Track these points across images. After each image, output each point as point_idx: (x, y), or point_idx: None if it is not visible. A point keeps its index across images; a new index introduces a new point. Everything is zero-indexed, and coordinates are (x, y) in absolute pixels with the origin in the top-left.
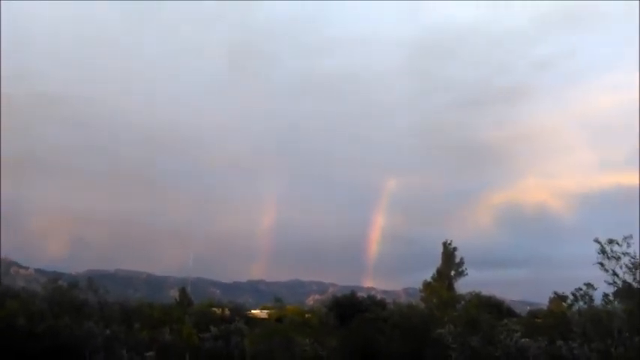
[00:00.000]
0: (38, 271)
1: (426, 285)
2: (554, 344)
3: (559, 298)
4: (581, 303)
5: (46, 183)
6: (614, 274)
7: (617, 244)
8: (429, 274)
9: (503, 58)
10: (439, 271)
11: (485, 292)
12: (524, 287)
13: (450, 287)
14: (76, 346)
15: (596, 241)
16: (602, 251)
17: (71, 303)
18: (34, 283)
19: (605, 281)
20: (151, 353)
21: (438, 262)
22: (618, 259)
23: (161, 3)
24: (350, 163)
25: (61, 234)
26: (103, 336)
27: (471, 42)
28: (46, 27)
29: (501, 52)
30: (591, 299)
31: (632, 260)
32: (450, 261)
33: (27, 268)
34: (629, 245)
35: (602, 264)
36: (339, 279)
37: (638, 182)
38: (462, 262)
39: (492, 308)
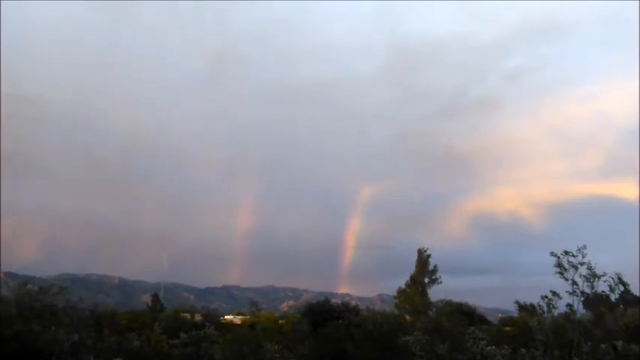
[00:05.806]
0: (8, 274)
1: (400, 292)
2: (518, 352)
3: (521, 307)
4: (545, 312)
5: (19, 185)
6: (574, 282)
7: (573, 255)
8: (404, 281)
9: (478, 69)
10: (413, 278)
11: (460, 299)
12: (498, 294)
13: (424, 294)
14: (43, 351)
15: (553, 254)
16: (559, 264)
17: (41, 307)
18: (4, 286)
19: (566, 291)
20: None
21: (412, 268)
22: (576, 268)
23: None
24: (326, 170)
25: (34, 237)
26: (70, 342)
27: (447, 52)
28: (23, 29)
29: (476, 63)
30: (552, 307)
31: (589, 270)
32: (424, 268)
33: None
34: (583, 256)
35: (561, 273)
36: (313, 285)
37: (608, 192)
38: (435, 269)
39: (464, 316)
